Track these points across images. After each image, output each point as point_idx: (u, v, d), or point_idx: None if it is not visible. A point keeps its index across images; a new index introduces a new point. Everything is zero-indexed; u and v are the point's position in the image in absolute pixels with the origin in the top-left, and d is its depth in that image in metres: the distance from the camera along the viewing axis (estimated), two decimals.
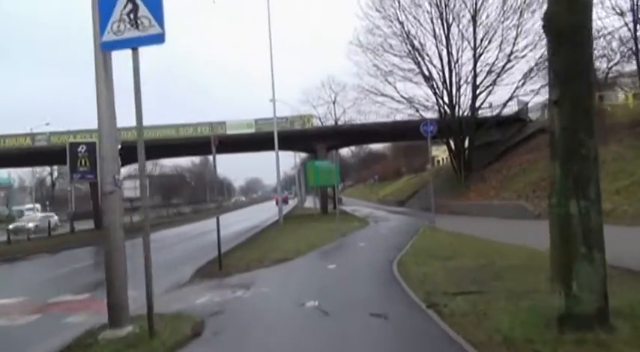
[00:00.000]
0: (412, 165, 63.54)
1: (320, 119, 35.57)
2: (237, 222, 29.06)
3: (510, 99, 28.31)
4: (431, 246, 11.52)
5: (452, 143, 29.05)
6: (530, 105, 31.61)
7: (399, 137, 37.00)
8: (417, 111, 28.75)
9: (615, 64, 28.79)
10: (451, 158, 28.79)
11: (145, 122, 5.38)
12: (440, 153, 66.74)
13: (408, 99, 28.62)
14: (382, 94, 29.26)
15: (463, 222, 19.72)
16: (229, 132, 30.25)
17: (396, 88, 28.71)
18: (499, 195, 21.61)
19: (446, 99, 28.09)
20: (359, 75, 29.99)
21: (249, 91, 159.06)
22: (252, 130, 29.33)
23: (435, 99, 28.10)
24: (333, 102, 34.79)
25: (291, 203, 61.10)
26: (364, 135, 33.07)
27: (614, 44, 31.01)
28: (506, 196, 20.78)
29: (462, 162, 27.35)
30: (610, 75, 29.94)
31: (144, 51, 5.28)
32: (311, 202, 52.71)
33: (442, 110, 28.16)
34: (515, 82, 28.03)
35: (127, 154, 7.37)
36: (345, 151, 76.45)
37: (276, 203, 31.18)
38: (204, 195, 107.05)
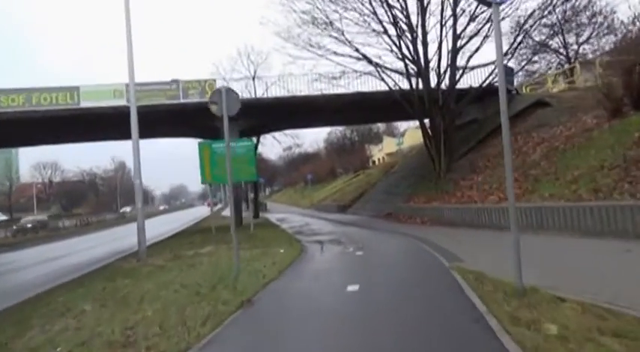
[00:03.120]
0: (349, 164, 55.58)
1: None
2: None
3: (493, 62, 19.94)
4: None
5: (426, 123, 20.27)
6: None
7: (357, 116, 27.62)
8: (382, 78, 19.69)
9: None
10: (426, 143, 19.92)
11: None
12: (376, 152, 59.48)
13: (367, 57, 19.50)
14: (320, 50, 19.88)
15: (504, 245, 10.78)
16: (85, 104, 19.43)
17: (347, 40, 19.49)
18: (529, 193, 12.82)
19: (414, 63, 19.26)
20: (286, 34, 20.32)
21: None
22: (121, 102, 18.89)
23: (401, 56, 19.12)
24: (253, 78, 24.79)
25: (204, 210, 50.65)
26: (302, 113, 23.60)
27: None
28: (556, 194, 11.50)
29: (442, 149, 18.65)
30: None
31: None
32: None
33: (410, 71, 19.27)
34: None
35: None
36: (270, 153, 67.16)
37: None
38: (113, 203, 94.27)
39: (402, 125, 63.48)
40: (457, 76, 19.51)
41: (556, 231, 10.00)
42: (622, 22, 27.46)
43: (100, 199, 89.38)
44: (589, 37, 32.28)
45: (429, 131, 19.57)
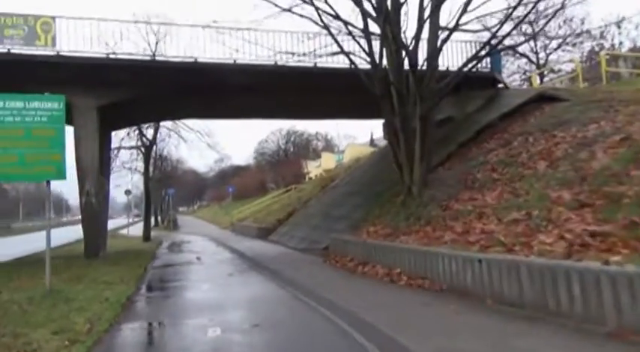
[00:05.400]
0: (281, 179, 47.95)
1: None
2: None
3: (484, 47, 13.01)
4: None
5: (393, 117, 12.66)
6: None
7: (299, 105, 18.00)
8: (341, 49, 12.17)
9: None
10: (391, 143, 12.51)
11: None
12: (313, 169, 52.30)
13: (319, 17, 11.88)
14: None
15: None
16: None
17: None
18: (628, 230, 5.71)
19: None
20: None
21: None
22: None
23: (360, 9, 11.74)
24: (153, 55, 16.19)
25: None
26: (212, 91, 15.63)
27: None
28: None
29: (416, 151, 11.28)
30: None
31: None
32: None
33: (371, 32, 11.93)
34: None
35: None
36: (199, 164, 58.25)
37: None
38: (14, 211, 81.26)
39: (342, 143, 57.30)
40: (439, 42, 12.42)
41: None
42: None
43: (2, 206, 77.82)
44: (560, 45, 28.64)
45: (399, 123, 12.21)
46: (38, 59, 12.86)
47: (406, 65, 12.04)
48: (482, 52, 13.00)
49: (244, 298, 7.61)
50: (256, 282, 9.18)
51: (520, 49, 27.84)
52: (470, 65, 12.77)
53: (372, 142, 49.80)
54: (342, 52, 12.34)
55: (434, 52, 12.24)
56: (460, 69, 12.78)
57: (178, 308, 7.19)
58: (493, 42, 12.54)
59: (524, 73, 30.43)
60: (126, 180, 32.43)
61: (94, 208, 14.41)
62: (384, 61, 12.36)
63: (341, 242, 11.86)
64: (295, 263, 12.09)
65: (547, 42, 29.61)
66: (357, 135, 77.92)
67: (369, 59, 12.19)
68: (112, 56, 13.49)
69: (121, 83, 14.20)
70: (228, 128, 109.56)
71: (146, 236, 23.35)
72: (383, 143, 30.67)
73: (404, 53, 11.76)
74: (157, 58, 14.00)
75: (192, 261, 13.81)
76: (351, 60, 12.37)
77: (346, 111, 19.43)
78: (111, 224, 39.46)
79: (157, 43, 15.45)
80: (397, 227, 10.68)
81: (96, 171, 14.46)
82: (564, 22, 27.90)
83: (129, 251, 17.08)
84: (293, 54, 13.40)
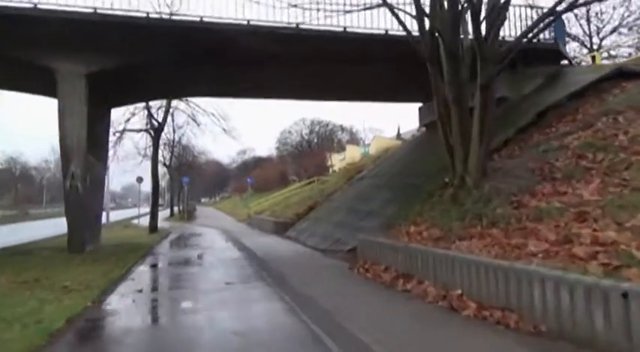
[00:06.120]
0: (304, 171, 45.52)
1: None
2: None
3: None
4: None
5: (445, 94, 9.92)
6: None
7: (327, 80, 15.16)
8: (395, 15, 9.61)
9: None
10: (443, 125, 9.73)
11: None
12: (337, 162, 49.65)
13: None
14: None
15: None
16: None
17: None
18: None
19: None
20: None
21: None
22: None
23: None
24: (149, 14, 13.85)
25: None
26: (228, 59, 13.17)
27: None
28: None
29: (476, 131, 8.62)
30: None
31: None
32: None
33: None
34: None
35: None
36: (223, 156, 56.45)
37: None
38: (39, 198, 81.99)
39: (367, 137, 54.51)
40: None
41: None
42: None
43: (27, 192, 78.79)
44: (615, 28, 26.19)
45: (452, 94, 9.52)
46: (11, 13, 10.64)
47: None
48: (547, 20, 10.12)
49: (232, 332, 5.13)
50: (259, 299, 6.73)
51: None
52: (531, 33, 9.95)
53: (398, 136, 47.18)
54: (385, 3, 9.73)
55: (497, 13, 9.47)
56: (520, 38, 9.95)
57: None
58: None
59: (574, 59, 27.61)
60: (143, 167, 30.45)
61: (79, 194, 12.22)
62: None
63: (372, 244, 9.33)
64: (314, 269, 9.61)
65: (600, 25, 26.96)
66: (384, 129, 74.68)
67: (414, 13, 9.57)
68: (100, 12, 11.19)
69: (113, 46, 11.93)
70: (251, 120, 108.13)
71: (152, 227, 21.26)
72: (409, 137, 27.99)
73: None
74: (153, 15, 11.62)
75: (191, 260, 11.48)
76: (394, 13, 9.72)
77: (379, 90, 16.77)
78: (130, 213, 38.01)
79: None
80: (449, 228, 8.09)
81: (83, 150, 12.28)
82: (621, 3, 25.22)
83: (125, 244, 14.94)
84: (318, 10, 10.86)
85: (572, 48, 27.47)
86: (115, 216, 36.52)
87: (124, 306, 6.52)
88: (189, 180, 38.88)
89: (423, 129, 20.31)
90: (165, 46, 12.18)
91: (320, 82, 15.25)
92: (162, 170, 39.37)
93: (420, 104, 19.01)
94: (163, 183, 48.86)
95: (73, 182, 12.13)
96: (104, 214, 28.85)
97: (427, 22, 9.50)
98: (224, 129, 24.38)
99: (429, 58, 9.43)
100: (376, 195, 15.13)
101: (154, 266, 10.66)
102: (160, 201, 68.25)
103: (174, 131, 32.36)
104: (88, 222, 12.96)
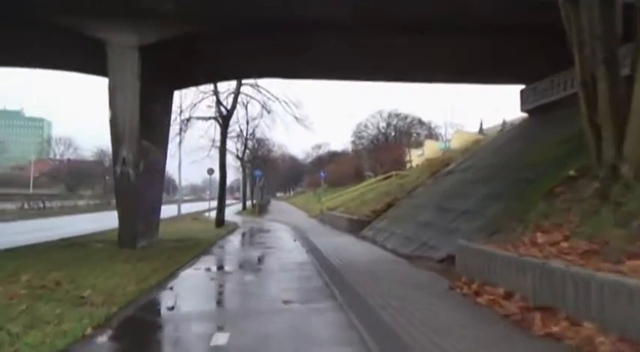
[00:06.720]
0: (380, 166, 43.03)
1: None
2: None
3: None
4: None
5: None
6: None
7: (415, 54, 12.74)
8: None
9: None
10: (586, 101, 7.06)
11: None
12: (415, 157, 46.54)
13: None
14: None
15: None
16: None
17: None
18: None
19: None
20: None
21: None
22: None
23: None
24: None
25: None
26: (309, 32, 11.26)
27: None
28: None
29: (635, 111, 6.02)
30: None
31: None
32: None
33: None
34: None
35: None
36: (298, 151, 55.52)
37: None
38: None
39: (448, 132, 50.79)
40: None
41: None
42: None
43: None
44: None
45: (600, 64, 6.83)
46: None
47: None
48: None
49: None
50: (325, 337, 4.65)
51: None
52: None
53: (481, 130, 43.40)
54: None
55: None
56: None
57: None
58: None
59: None
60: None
61: (131, 182, 10.86)
62: None
63: (480, 255, 6.90)
64: (402, 284, 7.32)
65: None
66: (465, 124, 69.76)
67: None
68: None
69: (168, 13, 10.38)
70: (327, 114, 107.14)
71: (219, 221, 20.03)
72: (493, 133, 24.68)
73: None
74: None
75: (249, 264, 9.70)
76: None
77: (476, 68, 14.02)
78: (204, 206, 37.92)
79: None
80: (603, 238, 5.52)
81: (136, 133, 10.90)
82: None
83: (185, 239, 13.55)
84: None
85: None
86: (189, 208, 36.33)
87: (131, 340, 4.71)
88: (262, 173, 37.79)
89: (525, 115, 17.25)
90: (230, 8, 10.39)
91: (410, 55, 12.83)
92: (236, 163, 38.85)
93: (522, 86, 16.10)
94: (239, 175, 48.75)
95: (123, 168, 10.80)
96: (175, 207, 28.48)
97: None
98: (295, 118, 22.68)
99: (566, 18, 6.80)
100: (471, 192, 12.52)
101: (204, 269, 8.96)
102: (237, 195, 68.93)
103: (247, 123, 31.31)
104: (141, 214, 11.59)
